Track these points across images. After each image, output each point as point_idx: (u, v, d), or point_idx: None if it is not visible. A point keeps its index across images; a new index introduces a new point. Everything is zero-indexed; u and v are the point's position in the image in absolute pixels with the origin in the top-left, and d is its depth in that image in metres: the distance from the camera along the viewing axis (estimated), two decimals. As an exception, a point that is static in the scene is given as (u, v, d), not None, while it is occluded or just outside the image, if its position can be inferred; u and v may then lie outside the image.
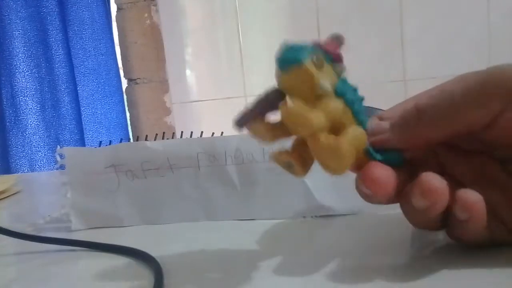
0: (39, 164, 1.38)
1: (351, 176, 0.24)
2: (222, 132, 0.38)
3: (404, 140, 0.24)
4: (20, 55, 1.35)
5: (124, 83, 1.40)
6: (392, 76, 1.29)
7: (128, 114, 1.41)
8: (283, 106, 0.22)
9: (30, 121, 1.37)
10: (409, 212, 0.24)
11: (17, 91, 1.36)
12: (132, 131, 1.41)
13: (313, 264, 0.27)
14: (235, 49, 1.36)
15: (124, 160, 0.37)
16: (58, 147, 0.38)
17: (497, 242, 0.24)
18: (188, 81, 1.41)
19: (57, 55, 1.35)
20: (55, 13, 1.33)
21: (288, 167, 0.25)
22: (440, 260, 0.25)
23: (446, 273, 0.23)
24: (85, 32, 1.36)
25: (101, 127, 1.39)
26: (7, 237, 0.33)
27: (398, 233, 0.29)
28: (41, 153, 1.38)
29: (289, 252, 0.29)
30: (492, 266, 0.23)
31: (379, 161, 0.24)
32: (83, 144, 1.37)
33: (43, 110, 1.37)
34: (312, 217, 0.34)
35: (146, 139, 0.39)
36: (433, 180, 0.22)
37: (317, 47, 0.23)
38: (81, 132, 1.38)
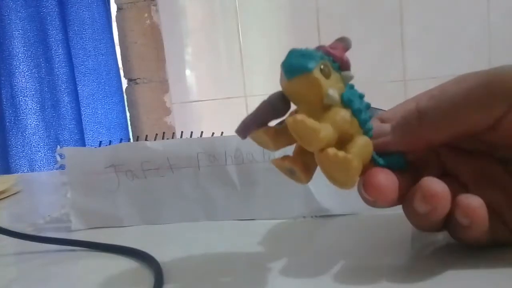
0: (39, 164, 1.38)
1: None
2: (222, 132, 0.38)
3: (406, 143, 0.24)
4: (20, 55, 1.35)
5: (124, 83, 1.40)
6: (392, 76, 1.29)
7: (128, 114, 1.41)
8: (291, 118, 0.21)
9: (30, 121, 1.37)
10: (412, 215, 0.24)
11: (17, 91, 1.36)
12: (132, 131, 1.41)
13: (313, 264, 0.27)
14: (235, 49, 1.36)
15: (124, 160, 0.37)
16: (58, 147, 0.38)
17: (498, 243, 0.24)
18: (188, 81, 1.41)
19: (57, 55, 1.35)
20: (55, 13, 1.33)
21: (291, 173, 0.24)
22: (440, 260, 0.25)
23: (447, 273, 0.23)
24: (85, 32, 1.36)
25: (101, 127, 1.39)
26: (7, 237, 0.33)
27: (398, 233, 0.29)
28: (41, 153, 1.38)
29: (289, 252, 0.29)
30: (493, 266, 0.23)
31: (382, 165, 0.24)
32: (83, 144, 1.37)
33: (43, 110, 1.37)
34: (312, 217, 0.34)
35: (146, 139, 0.39)
36: (434, 185, 0.22)
37: (325, 54, 0.22)
38: (81, 132, 1.38)
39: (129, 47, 1.36)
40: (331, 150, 0.21)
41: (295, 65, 0.22)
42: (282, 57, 0.22)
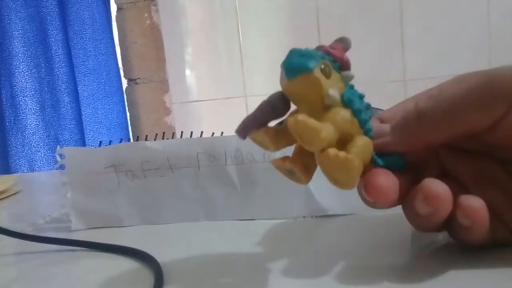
0: (39, 164, 1.38)
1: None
2: (222, 132, 0.38)
3: (405, 143, 0.24)
4: (20, 55, 1.35)
5: (124, 83, 1.40)
6: (392, 76, 1.29)
7: (128, 114, 1.41)
8: (291, 118, 0.21)
9: (30, 121, 1.37)
10: (412, 216, 0.24)
11: (16, 91, 1.36)
12: (132, 131, 1.41)
13: (313, 264, 0.27)
14: (235, 49, 1.36)
15: (124, 160, 0.37)
16: (58, 147, 0.38)
17: (498, 243, 0.24)
18: (188, 81, 1.41)
19: (57, 55, 1.35)
20: (55, 13, 1.33)
21: (291, 174, 0.24)
22: (440, 260, 0.25)
23: (447, 273, 0.23)
24: (85, 32, 1.36)
25: (102, 127, 1.39)
26: (7, 237, 0.33)
27: (398, 233, 0.29)
28: (41, 153, 1.38)
29: (289, 252, 0.29)
30: (493, 266, 0.23)
31: (382, 166, 0.24)
32: (83, 144, 1.37)
33: (43, 110, 1.37)
34: (312, 217, 0.34)
35: (146, 139, 0.39)
36: (436, 186, 0.22)
37: (325, 54, 0.22)
38: (81, 132, 1.38)
39: (129, 47, 1.36)
40: (332, 151, 0.21)
41: (295, 65, 0.22)
42: (282, 57, 0.22)
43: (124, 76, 1.39)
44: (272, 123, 0.24)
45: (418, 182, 0.23)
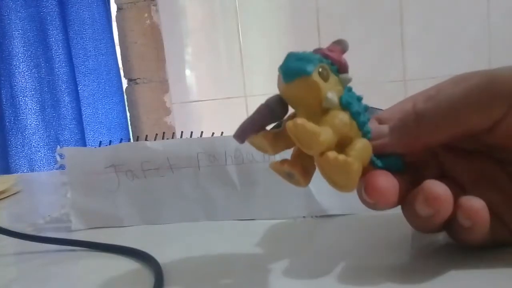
0: (39, 164, 1.38)
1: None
2: (222, 132, 0.38)
3: (404, 144, 0.24)
4: (20, 55, 1.35)
5: (124, 83, 1.40)
6: (392, 76, 1.29)
7: (128, 114, 1.41)
8: (290, 122, 0.21)
9: (30, 121, 1.37)
10: (412, 217, 0.24)
11: (16, 91, 1.36)
12: (132, 131, 1.41)
13: (313, 264, 0.27)
14: (235, 49, 1.36)
15: (124, 160, 0.37)
16: (58, 147, 0.38)
17: (497, 243, 0.24)
18: (188, 81, 1.41)
19: (58, 55, 1.35)
20: (55, 13, 1.34)
21: (289, 177, 0.24)
22: (440, 260, 0.25)
23: (447, 273, 0.23)
24: (85, 32, 1.36)
25: (102, 127, 1.39)
26: (7, 237, 0.33)
27: (398, 233, 0.29)
28: (41, 153, 1.38)
29: (289, 252, 0.29)
30: (493, 266, 0.23)
31: (380, 167, 0.23)
32: (84, 144, 1.37)
33: (43, 110, 1.37)
34: (312, 217, 0.34)
35: (146, 139, 0.39)
36: (437, 188, 0.22)
37: (322, 57, 0.22)
38: (81, 132, 1.38)
39: (129, 47, 1.36)
40: (331, 154, 0.21)
41: (293, 69, 0.22)
42: (282, 57, 0.22)
43: (124, 76, 1.39)
44: (270, 126, 0.24)
45: (417, 183, 0.23)
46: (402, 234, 0.29)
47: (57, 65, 1.35)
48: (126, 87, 1.40)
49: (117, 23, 1.37)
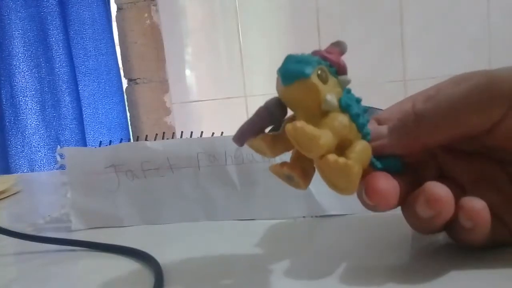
0: (39, 164, 1.38)
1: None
2: (222, 132, 0.38)
3: (403, 145, 0.24)
4: (20, 55, 1.35)
5: (124, 83, 1.40)
6: (392, 76, 1.29)
7: (128, 114, 1.41)
8: (290, 125, 0.21)
9: (30, 121, 1.37)
10: (412, 218, 0.24)
11: (17, 91, 1.36)
12: (132, 131, 1.41)
13: (313, 264, 0.27)
14: (235, 49, 1.36)
15: (124, 160, 0.37)
16: (58, 147, 0.38)
17: (497, 243, 0.24)
18: (188, 81, 1.41)
19: (58, 55, 1.35)
20: (56, 13, 1.33)
21: (289, 179, 0.24)
22: (440, 260, 0.25)
23: (447, 273, 0.23)
24: (85, 32, 1.36)
25: (102, 127, 1.39)
26: (7, 237, 0.33)
27: (398, 233, 0.29)
28: (41, 153, 1.38)
29: (289, 252, 0.29)
30: (493, 266, 0.23)
31: (380, 169, 0.23)
32: (84, 144, 1.37)
33: (43, 110, 1.37)
34: (312, 217, 0.34)
35: (146, 139, 0.39)
36: (438, 189, 0.22)
37: (321, 59, 0.22)
38: (82, 132, 1.38)
39: (129, 47, 1.36)
40: (331, 157, 0.21)
41: (292, 71, 0.21)
42: (282, 57, 0.22)
43: (124, 76, 1.39)
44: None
45: (416, 184, 0.23)
46: (402, 234, 0.29)
47: (57, 65, 1.35)
48: (126, 87, 1.40)
49: (117, 23, 1.37)
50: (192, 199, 0.36)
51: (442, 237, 0.27)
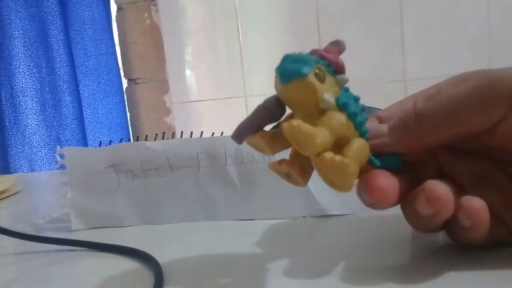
0: (39, 164, 1.38)
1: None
2: (222, 132, 0.38)
3: (403, 144, 0.24)
4: (20, 55, 1.35)
5: (124, 83, 1.40)
6: (392, 76, 1.29)
7: (128, 114, 1.41)
8: (286, 123, 0.21)
9: (30, 121, 1.37)
10: (412, 216, 0.24)
11: (17, 91, 1.36)
12: (132, 131, 1.41)
13: (313, 265, 0.27)
14: (235, 49, 1.36)
15: (124, 160, 0.37)
16: (58, 147, 0.38)
17: (497, 243, 0.24)
18: (188, 81, 1.41)
19: (59, 55, 1.35)
20: (56, 13, 1.34)
21: (288, 177, 0.24)
22: (440, 260, 0.25)
23: (447, 273, 0.23)
24: (86, 32, 1.36)
25: (102, 127, 1.39)
26: (7, 237, 0.33)
27: (398, 233, 0.29)
28: (41, 153, 1.38)
29: (289, 252, 0.29)
30: (492, 267, 0.23)
31: (379, 166, 0.24)
32: (85, 144, 1.37)
33: (43, 110, 1.37)
34: (312, 217, 0.34)
35: (146, 139, 0.39)
36: (438, 188, 0.22)
37: (319, 58, 0.22)
38: (83, 132, 1.38)
39: (129, 47, 1.36)
40: (328, 155, 0.21)
41: (289, 70, 0.22)
42: (282, 57, 0.22)
43: (124, 76, 1.40)
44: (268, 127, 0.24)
45: (416, 183, 0.23)
46: (402, 234, 0.29)
47: (57, 65, 1.35)
48: (126, 87, 1.40)
49: (117, 23, 1.37)
50: (192, 199, 0.36)
51: (441, 237, 0.27)
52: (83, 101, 1.38)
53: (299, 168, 0.23)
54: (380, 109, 0.30)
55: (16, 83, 1.36)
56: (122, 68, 1.39)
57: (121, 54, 1.38)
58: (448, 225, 0.23)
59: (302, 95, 0.22)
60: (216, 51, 1.39)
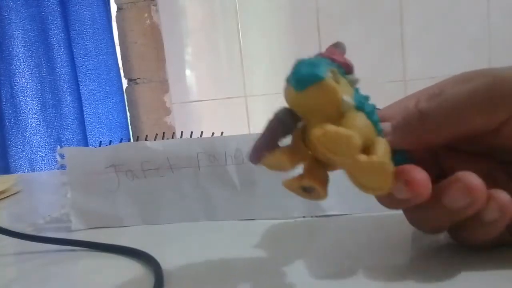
0: (40, 164, 1.38)
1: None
2: (222, 132, 0.38)
3: (406, 143, 0.24)
4: (21, 55, 1.35)
5: (124, 83, 1.40)
6: (392, 76, 1.29)
7: (128, 114, 1.41)
8: (318, 131, 0.20)
9: (31, 121, 1.37)
10: (421, 214, 0.24)
11: (17, 91, 1.36)
12: (132, 131, 1.41)
13: (313, 265, 0.27)
14: (235, 49, 1.36)
15: (124, 160, 0.37)
16: (59, 147, 0.38)
17: (498, 244, 0.24)
18: (188, 81, 1.41)
19: (59, 55, 1.35)
20: (57, 13, 1.34)
21: (306, 192, 0.23)
22: (440, 260, 0.25)
23: (446, 273, 0.23)
24: (86, 32, 1.36)
25: (102, 127, 1.39)
26: (7, 237, 0.33)
27: (398, 233, 0.29)
28: (42, 153, 1.38)
29: (289, 253, 0.29)
30: (493, 267, 0.23)
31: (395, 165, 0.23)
32: (85, 144, 1.37)
33: (44, 110, 1.37)
34: (312, 217, 0.34)
35: (146, 139, 0.39)
36: (473, 178, 0.21)
37: (330, 61, 0.22)
38: (83, 132, 1.38)
39: (129, 47, 1.36)
40: (364, 157, 0.21)
41: (306, 75, 0.21)
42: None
43: (124, 76, 1.40)
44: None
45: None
46: (402, 234, 0.29)
47: (58, 65, 1.35)
48: (126, 87, 1.40)
49: (117, 23, 1.37)
50: (192, 199, 0.36)
51: (442, 237, 0.27)
52: (83, 101, 1.38)
53: (319, 180, 0.23)
54: (379, 109, 0.30)
55: (16, 83, 1.36)
56: (122, 68, 1.39)
57: (121, 54, 1.38)
58: (456, 223, 0.23)
59: (322, 100, 0.21)
60: (216, 51, 1.39)
